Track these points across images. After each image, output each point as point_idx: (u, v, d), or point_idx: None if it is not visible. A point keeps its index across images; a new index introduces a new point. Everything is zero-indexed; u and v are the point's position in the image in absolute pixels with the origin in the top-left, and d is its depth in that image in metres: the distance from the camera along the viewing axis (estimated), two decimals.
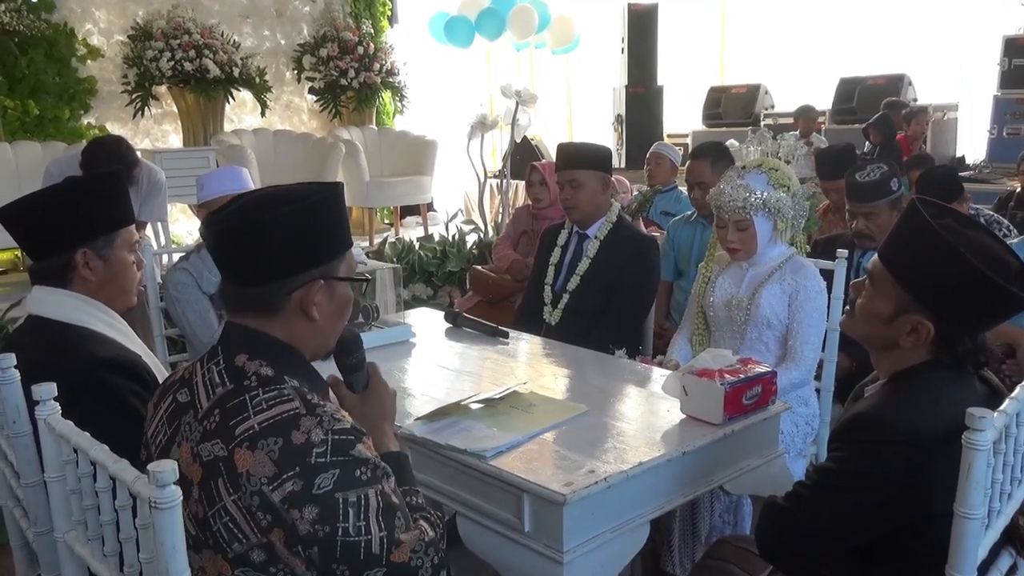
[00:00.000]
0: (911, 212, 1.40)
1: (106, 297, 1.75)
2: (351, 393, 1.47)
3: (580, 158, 2.91)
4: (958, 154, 8.39)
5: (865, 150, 6.99)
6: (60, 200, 1.74)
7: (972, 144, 8.61)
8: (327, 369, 1.42)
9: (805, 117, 7.95)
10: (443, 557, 1.26)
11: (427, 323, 2.75)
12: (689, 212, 3.54)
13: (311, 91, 8.76)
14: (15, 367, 1.59)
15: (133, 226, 1.82)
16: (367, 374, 1.50)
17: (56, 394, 1.40)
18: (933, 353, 1.43)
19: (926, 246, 1.35)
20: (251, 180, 2.83)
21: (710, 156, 3.29)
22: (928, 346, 1.42)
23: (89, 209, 1.72)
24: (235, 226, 1.25)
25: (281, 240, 1.23)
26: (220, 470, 1.18)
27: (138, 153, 4.37)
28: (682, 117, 10.50)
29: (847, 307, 1.58)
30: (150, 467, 1.03)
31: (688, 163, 3.53)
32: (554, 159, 3.10)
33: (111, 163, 3.45)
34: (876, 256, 1.48)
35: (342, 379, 1.49)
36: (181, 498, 1.03)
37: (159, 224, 6.12)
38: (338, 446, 1.17)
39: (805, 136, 7.73)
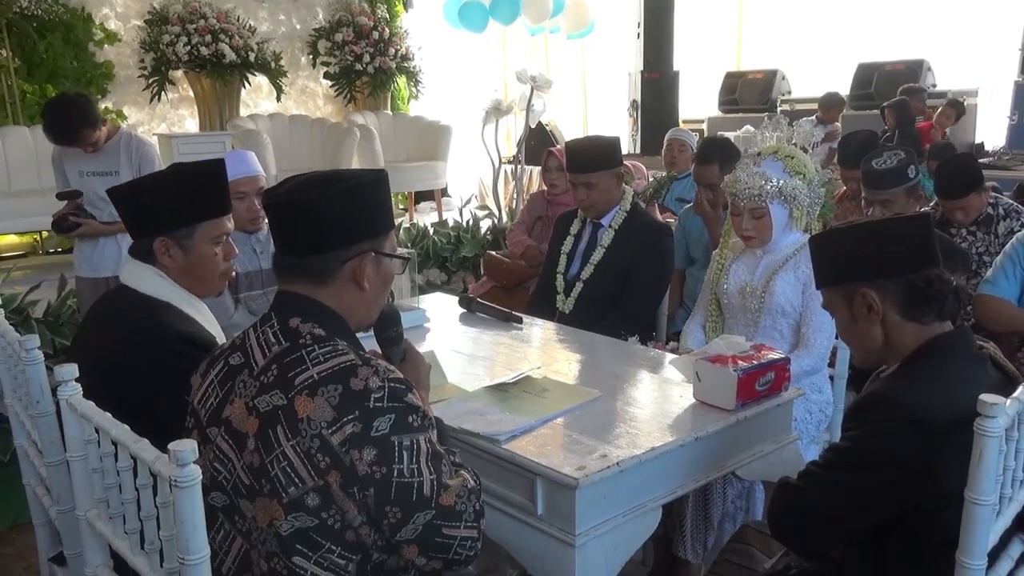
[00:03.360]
0: (810, 242, 1.64)
1: (186, 284, 1.81)
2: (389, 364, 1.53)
3: (593, 160, 2.89)
4: (977, 140, 8.29)
5: (884, 129, 6.93)
6: (151, 189, 1.81)
7: (991, 130, 8.51)
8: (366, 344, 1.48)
9: (830, 105, 7.85)
10: (482, 506, 1.34)
11: (441, 308, 2.77)
12: None
13: (326, 76, 8.77)
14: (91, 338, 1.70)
15: (224, 218, 1.86)
16: (404, 348, 1.58)
17: (77, 374, 1.43)
18: (904, 313, 1.47)
19: (821, 247, 1.58)
20: (258, 163, 2.83)
21: (717, 161, 3.26)
22: (894, 311, 1.47)
23: (168, 202, 1.78)
24: (296, 199, 1.34)
25: (338, 213, 1.34)
26: (279, 418, 1.24)
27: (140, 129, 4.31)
28: (698, 103, 10.42)
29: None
30: (170, 446, 1.05)
31: (694, 166, 3.49)
32: (565, 157, 3.08)
33: (77, 116, 3.39)
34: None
35: (381, 352, 1.56)
36: (200, 477, 1.06)
37: None
38: (394, 393, 1.25)
39: (827, 124, 7.68)
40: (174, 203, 1.77)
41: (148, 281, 1.77)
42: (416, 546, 1.27)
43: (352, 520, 1.24)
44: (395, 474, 1.22)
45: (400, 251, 1.48)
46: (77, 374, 1.43)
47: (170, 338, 1.68)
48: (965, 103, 7.80)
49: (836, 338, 2.46)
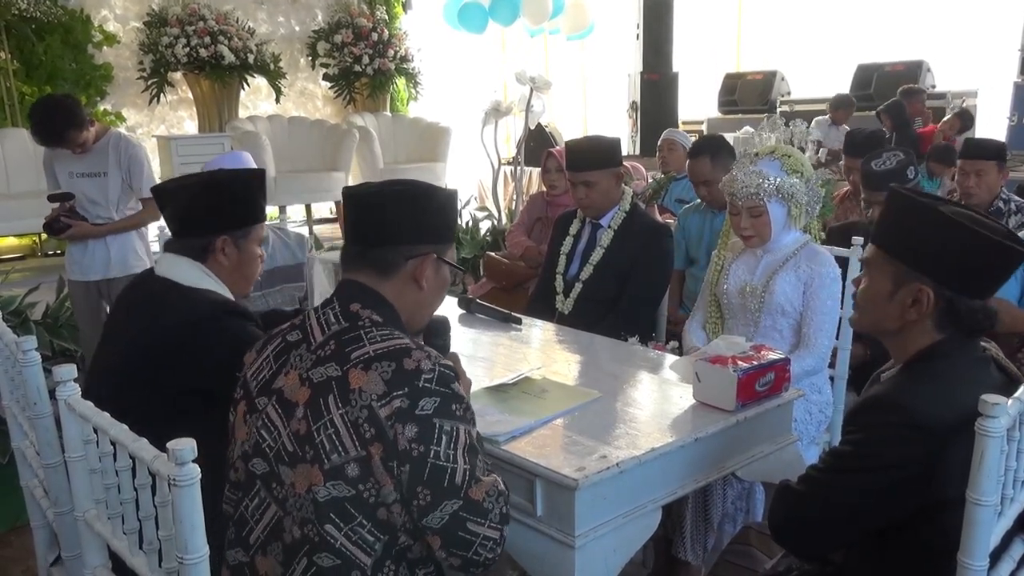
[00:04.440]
0: (893, 195, 1.49)
1: (230, 281, 1.90)
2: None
3: (592, 159, 2.89)
4: None
5: (882, 131, 6.94)
6: (213, 189, 1.90)
7: (991, 131, 8.51)
8: None
9: (839, 106, 7.87)
10: (508, 512, 1.37)
11: (440, 309, 2.75)
12: (700, 200, 3.53)
13: (325, 77, 8.77)
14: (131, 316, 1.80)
15: (265, 223, 1.98)
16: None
17: (75, 375, 1.42)
18: (938, 324, 1.43)
19: (913, 215, 1.42)
20: (253, 163, 2.84)
21: (708, 153, 3.27)
22: (933, 315, 1.42)
23: (236, 201, 1.89)
24: (375, 192, 1.46)
25: (411, 212, 1.45)
26: (332, 387, 1.31)
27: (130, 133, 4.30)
28: (697, 104, 10.43)
29: (854, 303, 1.59)
30: (169, 445, 1.04)
31: (688, 163, 3.50)
32: (564, 156, 3.09)
33: (64, 117, 3.38)
34: (870, 244, 1.52)
35: None
36: (199, 475, 1.05)
37: None
38: (442, 378, 1.32)
39: (837, 124, 7.68)
40: (241, 204, 1.89)
41: (188, 272, 1.83)
42: (439, 537, 1.30)
43: (387, 496, 1.28)
44: (431, 455, 1.27)
45: None
46: (76, 374, 1.43)
47: (216, 307, 1.78)
48: (964, 103, 7.81)
49: (837, 338, 2.46)
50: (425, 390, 1.29)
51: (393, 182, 1.51)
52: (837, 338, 2.47)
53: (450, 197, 1.53)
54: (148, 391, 1.68)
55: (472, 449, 1.32)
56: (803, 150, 2.49)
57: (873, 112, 8.20)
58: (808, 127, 2.61)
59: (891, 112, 6.96)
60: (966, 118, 7.21)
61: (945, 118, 7.24)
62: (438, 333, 1.64)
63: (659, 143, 4.95)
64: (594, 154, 2.91)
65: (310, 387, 1.32)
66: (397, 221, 1.44)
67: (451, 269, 1.55)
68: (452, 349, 1.70)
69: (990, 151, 3.41)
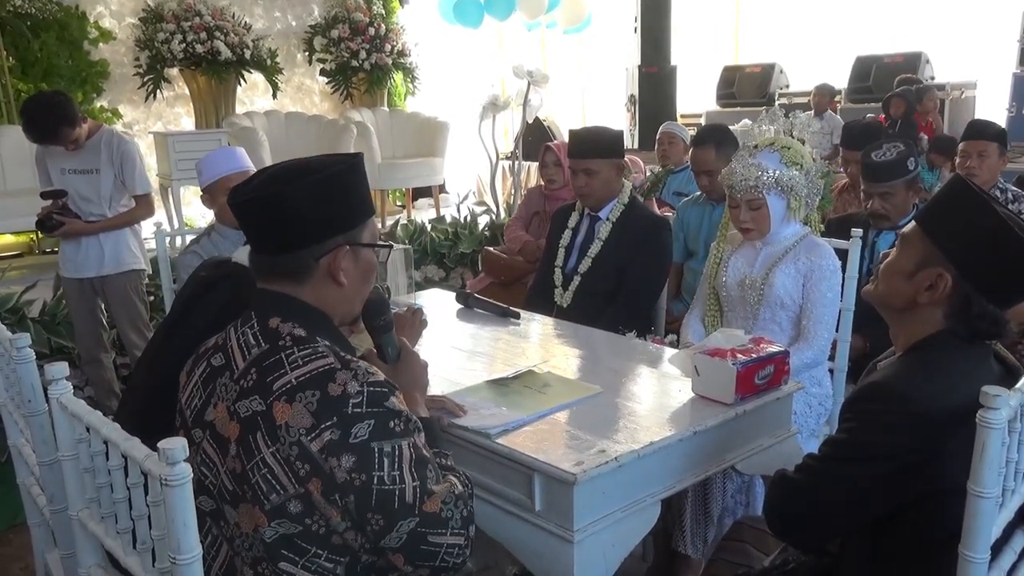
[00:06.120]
0: (954, 180, 1.45)
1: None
2: (384, 364, 1.53)
3: (594, 147, 2.89)
4: None
5: (886, 116, 6.94)
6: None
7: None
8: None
9: (820, 94, 7.87)
10: (471, 511, 1.31)
11: (439, 304, 2.75)
12: (699, 193, 3.52)
13: (322, 73, 8.74)
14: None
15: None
16: (397, 340, 1.56)
17: (68, 373, 1.41)
18: (947, 317, 1.41)
19: (964, 202, 1.39)
20: (247, 158, 2.82)
21: (712, 142, 3.25)
22: (943, 307, 1.40)
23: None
24: (261, 197, 1.29)
25: (306, 208, 1.28)
26: (259, 424, 1.22)
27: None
28: (696, 97, 10.41)
29: (872, 276, 1.57)
30: (160, 444, 1.03)
31: (691, 152, 3.50)
32: (567, 145, 3.08)
33: (56, 114, 3.34)
34: (912, 222, 1.50)
35: (373, 344, 1.55)
36: (191, 475, 1.04)
37: (172, 205, 6.14)
38: (373, 397, 1.22)
39: (819, 113, 7.66)
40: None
41: None
42: (401, 555, 1.24)
43: (337, 526, 1.23)
44: (375, 481, 1.19)
45: (391, 241, 1.45)
46: (68, 372, 1.42)
47: None
48: (963, 95, 7.81)
49: (836, 331, 2.45)
50: (356, 416, 1.19)
51: (280, 175, 1.31)
52: (837, 330, 2.46)
53: (351, 172, 1.33)
54: None
55: (420, 461, 1.24)
56: (803, 142, 2.46)
57: (872, 103, 8.18)
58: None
59: (907, 98, 6.97)
60: (928, 90, 7.28)
61: (923, 103, 7.25)
62: (375, 313, 1.51)
63: (658, 136, 4.93)
64: (597, 143, 2.91)
65: (239, 422, 1.24)
66: (294, 224, 1.28)
67: (376, 249, 1.39)
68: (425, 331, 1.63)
69: (993, 132, 3.49)
